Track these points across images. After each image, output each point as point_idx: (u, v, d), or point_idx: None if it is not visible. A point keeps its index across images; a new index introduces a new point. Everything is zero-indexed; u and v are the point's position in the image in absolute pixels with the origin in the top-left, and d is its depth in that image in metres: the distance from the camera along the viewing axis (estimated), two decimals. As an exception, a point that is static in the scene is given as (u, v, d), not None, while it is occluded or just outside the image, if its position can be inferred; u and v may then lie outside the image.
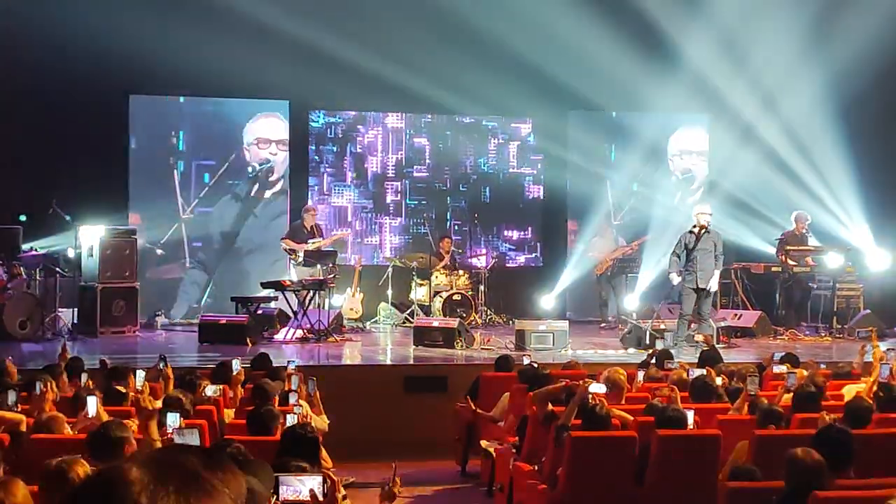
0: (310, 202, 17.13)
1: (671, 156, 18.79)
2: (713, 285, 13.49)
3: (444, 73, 16.84)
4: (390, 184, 18.56)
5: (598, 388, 7.75)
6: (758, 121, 17.39)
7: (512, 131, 18.83)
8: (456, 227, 18.43)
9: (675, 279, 13.49)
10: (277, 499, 4.46)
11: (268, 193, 17.64)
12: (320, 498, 4.55)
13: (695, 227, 13.45)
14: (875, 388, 8.23)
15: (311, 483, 4.57)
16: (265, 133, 17.62)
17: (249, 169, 17.53)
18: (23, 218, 15.01)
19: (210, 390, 8.06)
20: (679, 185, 18.75)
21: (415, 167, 18.69)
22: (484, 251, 17.63)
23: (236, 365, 9.28)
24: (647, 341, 13.36)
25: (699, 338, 12.67)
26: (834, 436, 5.93)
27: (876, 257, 16.40)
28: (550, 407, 7.82)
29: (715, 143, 18.31)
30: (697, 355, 12.64)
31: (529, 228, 18.90)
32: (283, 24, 15.99)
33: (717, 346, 12.43)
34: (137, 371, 8.50)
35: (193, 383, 8.36)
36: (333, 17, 16.45)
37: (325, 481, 4.60)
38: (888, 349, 10.07)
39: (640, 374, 9.66)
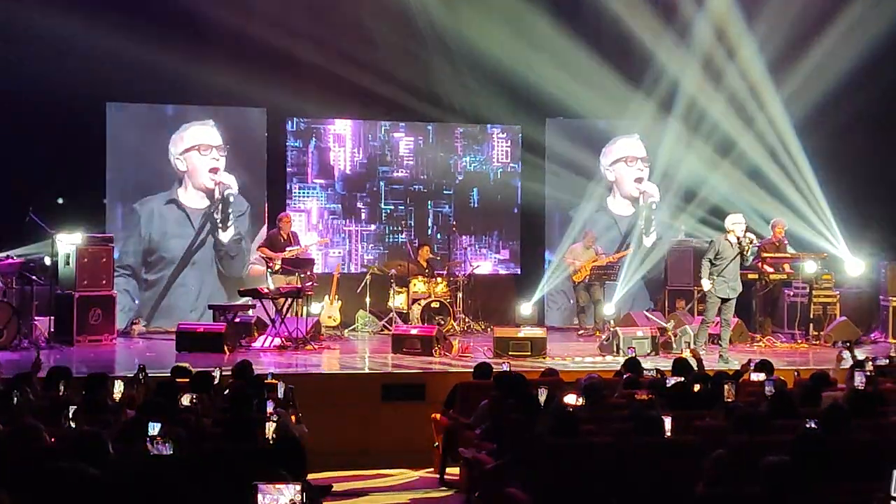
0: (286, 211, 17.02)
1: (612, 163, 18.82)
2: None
3: (422, 81, 16.95)
4: (362, 185, 18.01)
5: (571, 398, 7.84)
6: (733, 129, 17.50)
7: (494, 136, 18.51)
8: (438, 236, 18.17)
9: (707, 285, 13.36)
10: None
11: (231, 231, 17.27)
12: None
13: (729, 236, 13.35)
14: (851, 394, 8.27)
15: (289, 492, 4.56)
16: (203, 139, 17.14)
17: (217, 200, 17.20)
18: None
19: (186, 399, 8.03)
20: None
21: (392, 167, 18.18)
22: (463, 260, 17.61)
23: (216, 374, 9.27)
24: (624, 348, 13.38)
25: (687, 352, 12.70)
26: (810, 442, 5.96)
27: (852, 265, 16.50)
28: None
29: (692, 153, 18.34)
30: (718, 357, 12.92)
31: (522, 236, 18.63)
32: (262, 34, 16.03)
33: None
34: (116, 380, 8.47)
35: (171, 392, 8.32)
36: (313, 26, 16.48)
37: (304, 490, 4.60)
38: (864, 357, 10.14)
39: (622, 380, 9.71)
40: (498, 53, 16.76)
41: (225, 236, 17.29)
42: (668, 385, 8.82)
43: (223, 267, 17.25)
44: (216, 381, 9.14)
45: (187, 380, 9.09)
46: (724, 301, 13.29)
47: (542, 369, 11.11)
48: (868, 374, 9.17)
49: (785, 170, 17.19)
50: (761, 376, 9.38)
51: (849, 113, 16.71)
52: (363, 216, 18.14)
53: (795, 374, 10.59)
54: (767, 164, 17.31)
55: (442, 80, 17.25)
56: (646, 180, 18.66)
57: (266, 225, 17.13)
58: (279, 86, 16.41)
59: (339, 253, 17.92)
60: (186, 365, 9.97)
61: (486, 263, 18.40)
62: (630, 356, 11.01)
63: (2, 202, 14.90)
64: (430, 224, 18.33)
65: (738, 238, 13.18)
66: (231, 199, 17.24)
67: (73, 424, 7.00)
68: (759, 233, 13.87)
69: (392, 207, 18.21)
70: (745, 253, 13.22)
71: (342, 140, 18.01)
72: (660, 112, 17.77)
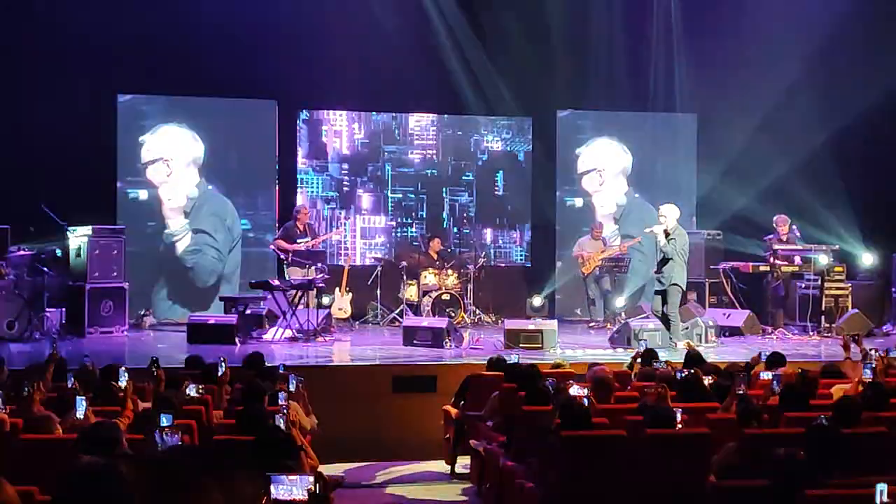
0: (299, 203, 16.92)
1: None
2: (671, 280, 13.40)
3: (432, 72, 16.90)
4: (364, 168, 17.11)
5: (577, 390, 7.85)
6: (747, 119, 17.45)
7: (505, 127, 18.12)
8: (455, 230, 17.52)
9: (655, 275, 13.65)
10: (269, 498, 4.46)
11: (187, 241, 16.72)
12: (306, 497, 4.54)
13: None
14: (862, 387, 8.25)
15: (303, 483, 4.56)
16: (168, 150, 16.68)
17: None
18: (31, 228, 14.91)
19: (190, 390, 8.03)
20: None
21: (401, 146, 17.18)
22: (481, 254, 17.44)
23: (222, 366, 9.26)
24: (635, 341, 13.38)
25: (681, 345, 12.70)
26: (823, 434, 5.95)
27: (864, 256, 16.45)
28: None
29: (704, 141, 18.32)
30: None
31: (533, 228, 18.19)
32: (272, 22, 16.02)
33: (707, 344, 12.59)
34: (121, 371, 8.47)
35: (178, 383, 8.33)
36: (322, 13, 16.45)
37: (317, 480, 4.60)
38: (871, 349, 10.11)
39: (634, 371, 9.73)
40: (509, 43, 16.77)
41: (180, 247, 16.93)
42: (680, 377, 8.81)
43: (191, 274, 16.98)
44: (221, 373, 9.12)
45: (198, 371, 9.11)
46: (660, 293, 13.41)
47: (553, 361, 11.11)
48: (876, 365, 9.13)
49: (799, 158, 17.17)
50: (770, 375, 9.35)
51: (867, 102, 16.68)
52: (365, 207, 17.42)
53: (800, 370, 10.55)
54: (780, 153, 17.28)
55: (453, 70, 17.18)
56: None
57: (278, 214, 17.10)
58: (290, 78, 16.39)
59: (342, 248, 17.33)
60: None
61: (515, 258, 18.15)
62: (643, 348, 11.00)
63: (13, 194, 14.91)
64: (444, 216, 17.79)
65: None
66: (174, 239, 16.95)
67: (80, 416, 7.00)
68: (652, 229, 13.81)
69: (400, 196, 17.55)
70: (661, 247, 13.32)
71: (339, 115, 16.93)
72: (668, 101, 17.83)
